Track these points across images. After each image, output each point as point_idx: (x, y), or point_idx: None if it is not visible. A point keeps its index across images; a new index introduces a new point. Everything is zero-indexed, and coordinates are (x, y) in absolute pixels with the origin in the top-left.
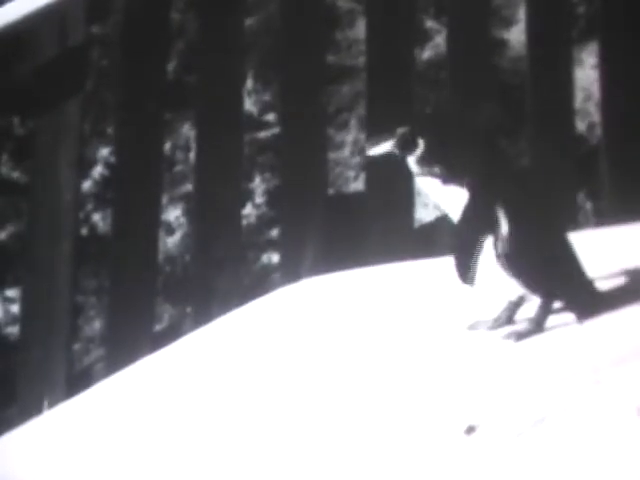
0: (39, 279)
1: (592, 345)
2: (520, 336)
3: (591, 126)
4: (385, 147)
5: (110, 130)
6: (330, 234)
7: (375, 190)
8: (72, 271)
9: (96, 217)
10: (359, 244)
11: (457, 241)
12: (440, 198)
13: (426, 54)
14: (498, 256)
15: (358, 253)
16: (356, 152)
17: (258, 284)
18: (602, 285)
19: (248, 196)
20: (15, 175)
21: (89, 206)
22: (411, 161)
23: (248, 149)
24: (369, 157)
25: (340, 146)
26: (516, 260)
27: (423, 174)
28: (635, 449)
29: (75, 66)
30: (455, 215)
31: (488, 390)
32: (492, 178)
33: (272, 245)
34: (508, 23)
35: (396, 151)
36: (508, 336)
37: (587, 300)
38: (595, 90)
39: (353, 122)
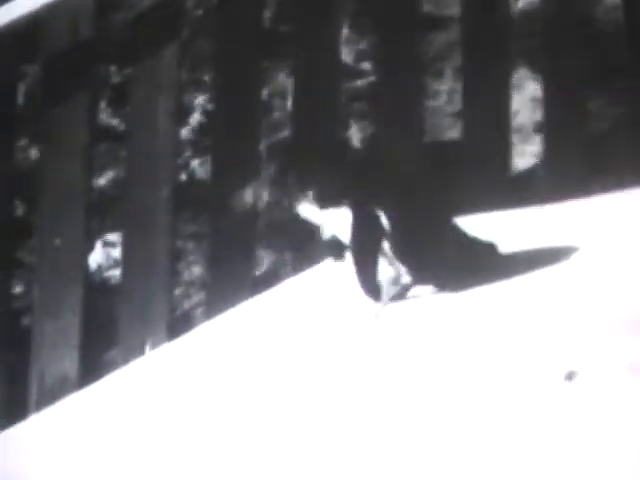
0: (139, 224)
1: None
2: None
3: None
4: None
5: (207, 78)
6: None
7: (471, 138)
8: (171, 216)
9: (194, 163)
10: (455, 193)
11: (354, 259)
12: (326, 223)
13: (520, 3)
14: (390, 250)
15: (454, 202)
16: (452, 101)
17: None
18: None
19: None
20: (114, 122)
21: (187, 153)
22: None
23: (344, 97)
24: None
25: (435, 95)
26: (401, 247)
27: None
28: None
29: (170, 15)
30: (345, 235)
31: (586, 336)
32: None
33: None
34: None
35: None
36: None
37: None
38: None
39: (449, 71)
